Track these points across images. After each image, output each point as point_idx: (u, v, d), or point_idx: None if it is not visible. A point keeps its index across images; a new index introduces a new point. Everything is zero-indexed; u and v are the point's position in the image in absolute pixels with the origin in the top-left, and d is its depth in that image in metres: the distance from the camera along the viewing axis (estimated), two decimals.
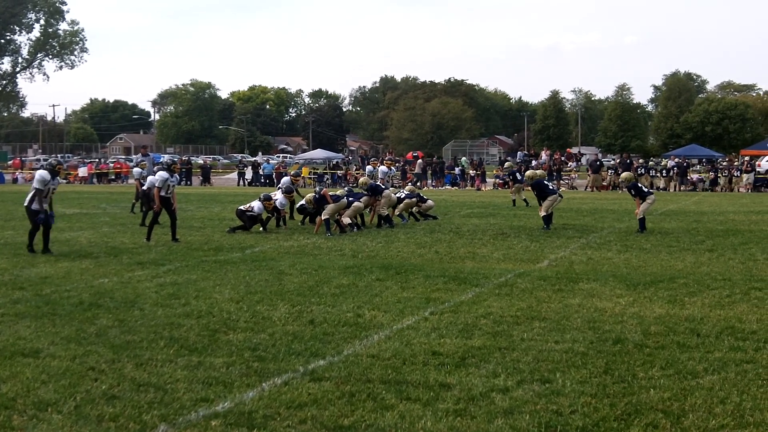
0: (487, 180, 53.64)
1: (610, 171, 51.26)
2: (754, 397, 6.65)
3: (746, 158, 59.57)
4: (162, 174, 18.47)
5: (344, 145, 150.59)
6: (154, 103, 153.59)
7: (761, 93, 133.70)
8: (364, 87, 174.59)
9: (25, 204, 16.18)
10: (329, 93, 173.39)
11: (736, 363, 7.70)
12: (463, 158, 65.65)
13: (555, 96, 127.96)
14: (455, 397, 6.64)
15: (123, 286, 12.06)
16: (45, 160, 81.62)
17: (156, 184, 18.38)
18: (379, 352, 8.12)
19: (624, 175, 23.41)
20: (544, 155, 55.71)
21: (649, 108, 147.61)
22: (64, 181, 59.81)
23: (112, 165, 68.20)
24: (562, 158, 57.04)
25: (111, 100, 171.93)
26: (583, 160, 75.16)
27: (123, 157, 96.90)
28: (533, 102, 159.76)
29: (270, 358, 7.91)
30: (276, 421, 6.09)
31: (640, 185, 21.73)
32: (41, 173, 16.44)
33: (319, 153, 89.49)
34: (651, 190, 23.66)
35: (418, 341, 8.57)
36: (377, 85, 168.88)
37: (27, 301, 10.89)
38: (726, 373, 7.37)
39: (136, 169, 28.02)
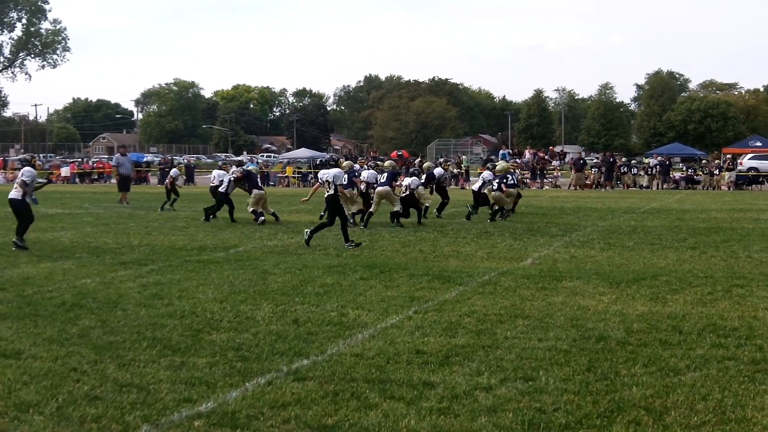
0: (471, 179, 53.63)
1: (593, 169, 51.42)
2: (735, 394, 6.68)
3: (728, 156, 59.81)
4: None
5: (329, 144, 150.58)
6: (137, 103, 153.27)
7: (743, 92, 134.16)
8: (348, 86, 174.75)
9: (12, 197, 16.66)
10: (313, 92, 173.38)
11: (718, 360, 7.73)
12: (464, 157, 65.67)
13: (538, 95, 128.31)
14: (439, 396, 6.65)
15: (106, 287, 12.02)
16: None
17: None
18: (362, 351, 8.12)
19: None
20: (527, 154, 55.82)
21: (632, 107, 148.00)
22: (46, 180, 59.72)
23: (94, 165, 67.89)
24: (546, 157, 57.19)
25: (94, 100, 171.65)
26: (567, 159, 75.30)
27: (106, 156, 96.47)
28: (517, 101, 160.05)
29: (253, 357, 7.89)
30: (259, 421, 6.08)
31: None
32: (29, 169, 17.17)
33: (303, 152, 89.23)
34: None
35: (401, 340, 8.58)
36: (361, 84, 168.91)
37: (8, 302, 10.83)
38: (708, 369, 7.40)
39: (174, 170, 31.30)
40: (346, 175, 19.94)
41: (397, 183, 23.71)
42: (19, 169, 17.83)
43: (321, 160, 64.46)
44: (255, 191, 23.17)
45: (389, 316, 9.84)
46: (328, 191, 17.34)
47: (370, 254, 15.78)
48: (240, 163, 28.44)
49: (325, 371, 7.38)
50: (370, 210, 22.06)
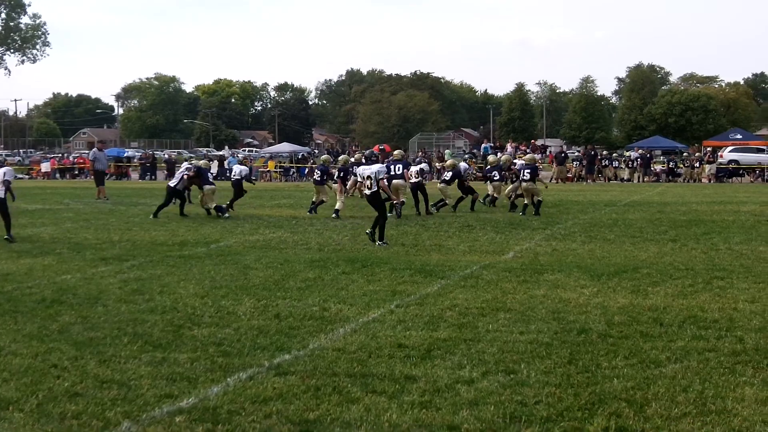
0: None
1: (574, 163, 51.51)
2: (716, 385, 6.71)
3: (709, 149, 60.09)
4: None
5: (311, 138, 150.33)
6: (118, 98, 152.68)
7: (723, 85, 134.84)
8: (330, 80, 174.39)
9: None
10: (295, 86, 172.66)
11: (699, 351, 7.77)
12: (447, 150, 65.62)
13: (520, 89, 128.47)
14: (420, 390, 6.65)
15: (86, 283, 11.96)
16: (7, 155, 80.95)
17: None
18: (344, 345, 8.11)
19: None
20: (509, 147, 55.85)
21: (613, 100, 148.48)
22: (26, 176, 59.42)
23: (75, 160, 67.52)
24: (527, 150, 57.24)
25: (74, 95, 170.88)
26: (548, 152, 75.42)
27: (86, 152, 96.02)
28: (499, 95, 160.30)
29: (235, 353, 7.88)
30: (241, 416, 6.07)
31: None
32: (8, 168, 17.86)
33: (285, 147, 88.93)
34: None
35: (383, 334, 8.58)
36: (343, 78, 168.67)
37: None
38: (688, 361, 7.44)
39: (236, 167, 30.84)
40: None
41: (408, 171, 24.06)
42: None
43: (303, 155, 64.37)
44: (206, 187, 23.42)
45: (371, 310, 9.84)
46: (370, 188, 16.84)
47: (352, 248, 15.77)
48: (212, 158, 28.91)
49: (306, 366, 7.37)
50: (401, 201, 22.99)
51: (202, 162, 27.48)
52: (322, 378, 6.99)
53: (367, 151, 16.87)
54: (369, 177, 16.85)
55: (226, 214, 22.88)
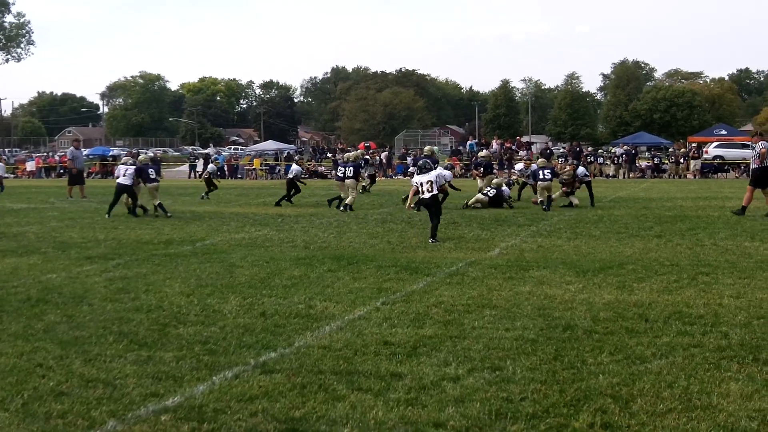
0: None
1: (560, 159, 51.62)
2: (701, 381, 6.72)
3: (694, 145, 60.29)
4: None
5: (296, 136, 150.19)
6: (103, 96, 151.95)
7: (708, 80, 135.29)
8: (315, 77, 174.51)
9: None
10: (280, 84, 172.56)
11: (684, 347, 7.78)
12: (435, 147, 65.65)
13: (505, 85, 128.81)
14: (406, 387, 6.65)
15: (71, 282, 11.92)
16: None
17: None
18: (330, 343, 8.10)
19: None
20: (495, 144, 55.95)
21: (599, 96, 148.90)
22: (12, 175, 59.20)
23: (60, 159, 67.29)
24: (513, 147, 57.34)
25: (59, 93, 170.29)
26: (534, 149, 75.59)
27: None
28: (484, 91, 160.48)
29: (221, 351, 7.86)
30: (226, 414, 6.05)
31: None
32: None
33: (270, 144, 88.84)
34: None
35: (369, 331, 8.57)
36: (328, 75, 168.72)
37: None
38: (674, 357, 7.45)
39: (211, 166, 34.35)
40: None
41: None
42: None
43: (289, 153, 64.28)
44: (148, 184, 23.55)
45: (357, 307, 9.83)
46: (429, 191, 16.71)
47: (338, 246, 15.76)
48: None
49: (292, 364, 7.36)
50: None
51: (141, 157, 27.59)
52: (307, 376, 6.98)
53: (421, 161, 17.22)
54: (429, 182, 16.76)
55: (168, 213, 22.84)
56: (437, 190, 16.91)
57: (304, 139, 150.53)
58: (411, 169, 23.95)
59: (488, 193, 25.36)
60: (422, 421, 5.88)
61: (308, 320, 9.18)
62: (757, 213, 21.50)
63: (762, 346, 7.82)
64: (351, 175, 24.92)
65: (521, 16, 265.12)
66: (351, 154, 27.93)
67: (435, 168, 18.17)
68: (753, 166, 23.13)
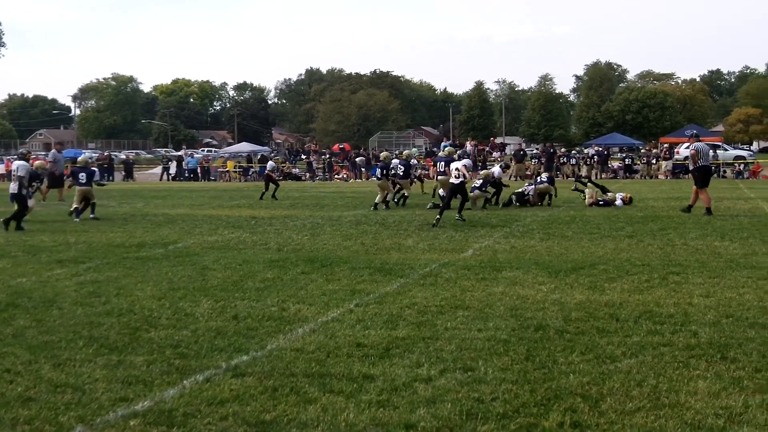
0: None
1: (533, 160, 51.80)
2: (670, 379, 6.77)
3: (665, 146, 60.68)
4: None
5: (270, 137, 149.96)
6: (75, 98, 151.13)
7: (680, 82, 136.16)
8: (289, 79, 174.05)
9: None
10: (254, 86, 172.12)
11: (654, 346, 7.83)
12: (414, 149, 65.72)
13: (479, 87, 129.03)
14: (378, 388, 6.65)
15: (42, 286, 11.83)
16: None
17: None
18: (303, 345, 8.09)
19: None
20: (469, 145, 56.03)
21: (572, 98, 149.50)
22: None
23: (31, 162, 66.77)
24: (487, 148, 57.52)
25: (30, 96, 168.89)
26: (507, 150, 75.90)
27: (43, 153, 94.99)
28: (458, 93, 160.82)
29: (192, 355, 7.82)
30: (196, 418, 6.03)
31: None
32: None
33: (244, 146, 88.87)
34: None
35: (342, 333, 8.57)
36: (303, 77, 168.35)
37: None
38: (643, 356, 7.50)
39: (270, 163, 35.99)
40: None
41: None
42: None
43: (262, 155, 64.19)
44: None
45: (330, 309, 9.82)
46: (457, 177, 20.54)
47: (312, 248, 15.74)
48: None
49: (264, 367, 7.34)
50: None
51: (80, 158, 27.57)
52: (279, 379, 6.97)
53: (460, 150, 19.88)
54: (458, 169, 20.65)
55: (77, 219, 22.45)
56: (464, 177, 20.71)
57: (279, 140, 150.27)
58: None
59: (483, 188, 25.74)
60: (393, 423, 5.89)
61: (281, 323, 9.16)
62: (726, 213, 21.61)
63: (730, 344, 7.88)
64: (402, 174, 26.70)
65: (499, 18, 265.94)
66: (383, 154, 29.19)
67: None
68: (690, 168, 24.07)
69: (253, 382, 6.86)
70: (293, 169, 59.46)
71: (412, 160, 27.00)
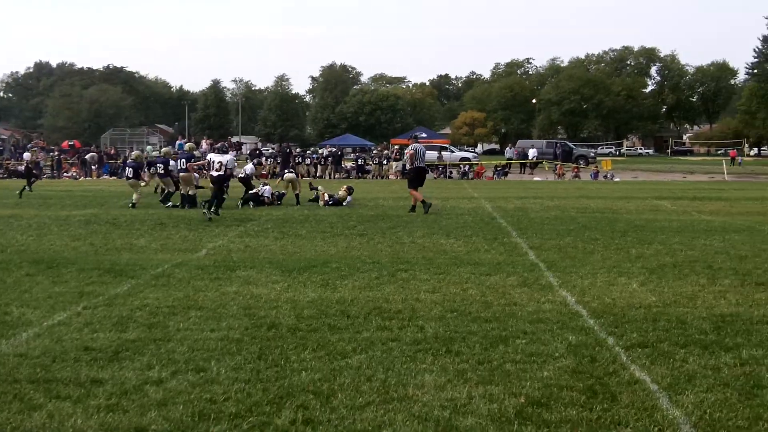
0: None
1: (269, 160, 52.01)
2: (398, 373, 7.01)
3: (396, 147, 62.61)
4: None
5: None
6: None
7: (410, 85, 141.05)
8: (17, 73, 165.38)
9: None
10: None
11: (383, 341, 8.08)
12: (149, 147, 63.93)
13: (216, 85, 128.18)
14: (107, 393, 6.49)
15: None
16: None
17: None
18: (27, 350, 7.76)
19: None
20: (204, 144, 55.50)
21: (308, 98, 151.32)
22: None
23: None
24: (224, 147, 57.14)
25: None
26: (243, 150, 75.81)
27: None
28: (195, 91, 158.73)
29: None
30: None
31: None
32: None
33: None
34: None
35: (69, 337, 8.28)
36: (31, 70, 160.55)
37: None
38: (373, 351, 7.72)
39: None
40: None
41: None
42: None
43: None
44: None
45: (56, 313, 9.46)
46: (218, 171, 21.71)
47: (37, 249, 15.09)
48: None
49: None
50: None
51: None
52: (2, 385, 6.65)
53: (219, 144, 20.59)
54: (220, 162, 21.77)
55: None
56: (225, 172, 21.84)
57: (4, 136, 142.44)
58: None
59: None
60: (123, 427, 5.78)
61: (3, 327, 8.74)
62: (451, 211, 22.61)
63: (454, 338, 8.26)
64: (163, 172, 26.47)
65: (231, 16, 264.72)
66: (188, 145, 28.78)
67: None
68: (407, 167, 25.37)
69: None
70: (19, 167, 56.63)
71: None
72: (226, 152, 24.06)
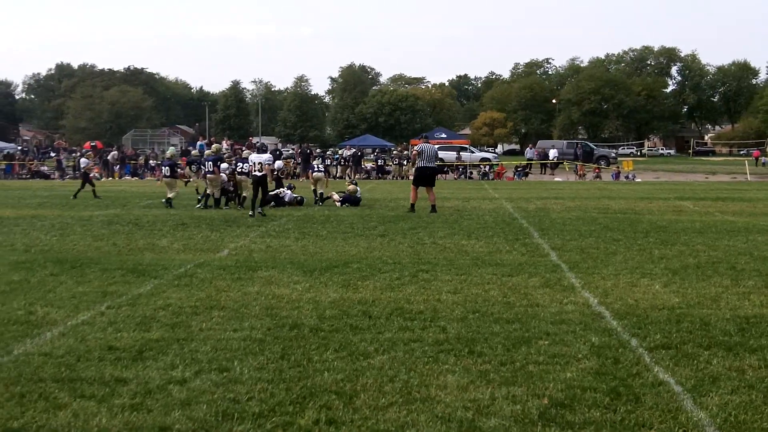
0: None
1: (291, 161, 52.12)
2: (420, 374, 7.01)
3: (415, 147, 62.58)
4: None
5: (17, 134, 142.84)
6: None
7: (429, 86, 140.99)
8: (38, 74, 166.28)
9: None
10: (0, 80, 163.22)
11: (405, 342, 8.08)
12: (171, 147, 64.31)
13: (236, 86, 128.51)
14: (131, 392, 6.52)
15: None
16: None
17: None
18: (51, 350, 7.81)
19: None
20: (225, 144, 55.65)
21: (327, 99, 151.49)
22: None
23: None
24: (243, 148, 57.27)
25: None
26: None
27: None
28: (215, 92, 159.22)
29: None
30: None
31: None
32: None
33: None
34: None
35: (93, 336, 8.33)
36: (53, 72, 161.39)
37: None
38: (395, 352, 7.72)
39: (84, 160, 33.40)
40: None
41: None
42: None
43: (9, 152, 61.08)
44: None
45: (80, 312, 9.52)
46: (260, 172, 22.57)
47: (61, 249, 15.18)
48: None
49: (11, 372, 7.03)
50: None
51: None
52: (27, 384, 6.70)
53: (259, 142, 21.24)
54: (260, 163, 22.57)
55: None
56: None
57: (26, 137, 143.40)
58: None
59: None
60: (147, 426, 5.80)
61: (28, 327, 8.80)
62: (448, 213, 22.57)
63: (477, 339, 8.25)
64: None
65: (249, 16, 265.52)
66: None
67: None
68: (413, 167, 25.73)
69: None
70: (41, 167, 57.04)
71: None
72: (266, 151, 24.43)
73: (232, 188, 25.63)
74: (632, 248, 15.30)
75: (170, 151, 31.09)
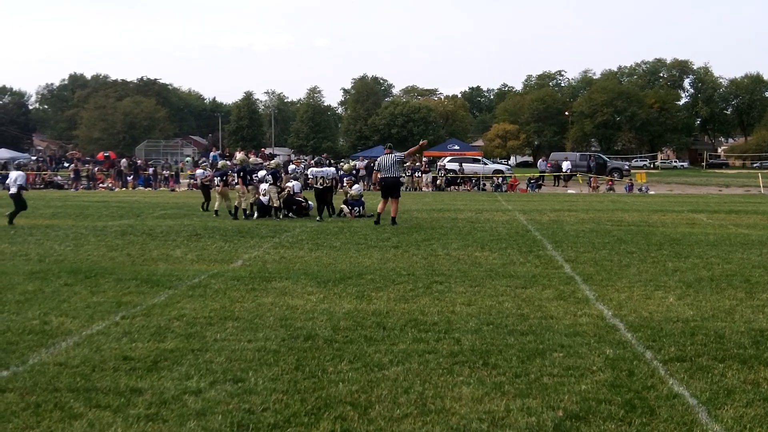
0: (182, 181, 53.09)
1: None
2: (435, 386, 7.01)
3: (425, 159, 62.64)
4: None
5: (31, 144, 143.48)
6: None
7: (442, 97, 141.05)
8: (52, 84, 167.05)
9: None
10: (14, 90, 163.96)
11: (419, 353, 8.08)
12: (188, 159, 64.57)
13: (248, 97, 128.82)
14: (147, 402, 6.54)
15: None
16: None
17: None
18: (67, 359, 7.83)
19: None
20: (238, 155, 55.79)
21: (339, 110, 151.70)
22: None
23: None
24: (322, 161, 57.61)
25: None
26: (278, 161, 75.98)
27: None
28: (227, 103, 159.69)
29: None
30: None
31: None
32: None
33: (2, 153, 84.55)
34: None
35: (108, 346, 8.36)
36: (66, 82, 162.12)
37: None
38: (410, 363, 7.72)
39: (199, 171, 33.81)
40: None
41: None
42: None
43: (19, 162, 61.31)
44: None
45: (95, 322, 9.55)
46: (323, 185, 24.65)
47: (75, 259, 15.23)
48: None
49: (26, 382, 7.06)
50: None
51: None
52: (42, 394, 6.72)
53: (316, 158, 22.46)
54: (322, 177, 24.37)
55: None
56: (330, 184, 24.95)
57: (40, 147, 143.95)
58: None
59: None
60: None
61: (43, 336, 8.83)
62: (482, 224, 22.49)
63: (491, 351, 8.24)
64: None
65: (263, 27, 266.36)
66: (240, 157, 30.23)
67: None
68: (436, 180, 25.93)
69: (15, 398, 6.59)
70: (55, 177, 57.27)
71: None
72: (324, 165, 24.79)
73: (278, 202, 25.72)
74: (646, 261, 15.26)
75: (239, 156, 31.13)
